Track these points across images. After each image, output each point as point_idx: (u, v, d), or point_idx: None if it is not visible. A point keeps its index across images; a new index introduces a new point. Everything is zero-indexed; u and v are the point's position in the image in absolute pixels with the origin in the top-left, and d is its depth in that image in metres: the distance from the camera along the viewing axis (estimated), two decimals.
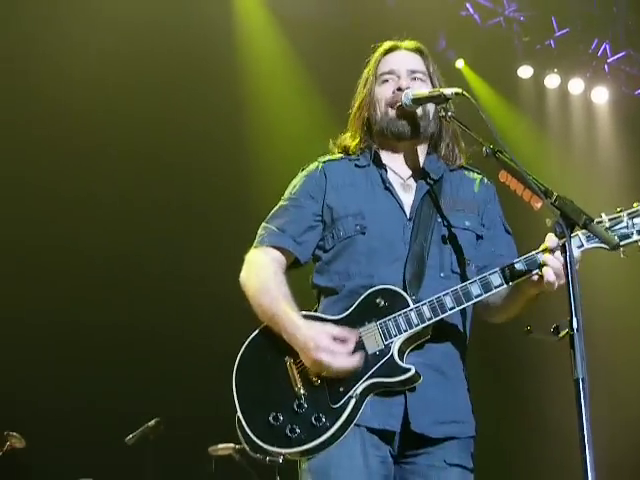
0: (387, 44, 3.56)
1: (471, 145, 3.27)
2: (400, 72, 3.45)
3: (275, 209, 3.46)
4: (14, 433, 6.78)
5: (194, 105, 8.23)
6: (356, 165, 3.44)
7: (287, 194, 3.47)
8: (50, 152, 7.89)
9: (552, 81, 9.80)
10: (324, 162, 3.47)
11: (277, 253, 3.33)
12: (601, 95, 9.96)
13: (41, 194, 7.93)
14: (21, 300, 7.62)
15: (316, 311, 3.33)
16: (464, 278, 3.26)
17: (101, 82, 7.94)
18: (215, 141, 8.28)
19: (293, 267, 3.37)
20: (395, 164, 3.44)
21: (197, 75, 8.28)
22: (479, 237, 3.39)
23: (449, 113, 3.19)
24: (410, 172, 3.44)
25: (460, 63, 9.50)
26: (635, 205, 3.08)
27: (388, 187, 3.36)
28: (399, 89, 3.39)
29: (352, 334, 3.07)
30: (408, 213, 3.31)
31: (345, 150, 3.50)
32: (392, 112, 3.39)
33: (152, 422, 6.92)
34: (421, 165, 3.45)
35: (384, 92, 3.44)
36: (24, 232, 7.72)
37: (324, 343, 3.02)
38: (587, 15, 9.40)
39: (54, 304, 7.71)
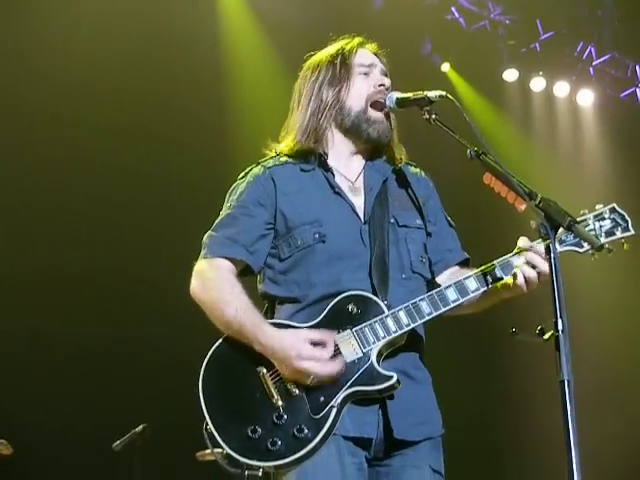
0: (358, 39, 3.47)
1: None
2: (377, 70, 3.41)
3: (222, 217, 3.31)
4: (1, 440, 6.74)
5: (178, 114, 8.17)
6: (301, 169, 3.33)
7: (233, 201, 3.31)
8: (33, 165, 7.85)
9: (537, 84, 9.82)
10: (269, 167, 3.34)
11: (229, 263, 3.20)
12: (586, 98, 9.98)
13: (27, 207, 7.89)
14: (8, 312, 7.57)
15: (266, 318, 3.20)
16: (423, 277, 3.29)
17: (84, 91, 7.88)
18: (199, 152, 8.22)
19: (242, 276, 3.23)
20: (341, 166, 3.36)
21: (181, 83, 8.23)
22: (429, 234, 3.37)
23: (433, 116, 3.13)
24: (356, 173, 3.36)
25: (445, 67, 9.49)
26: (597, 207, 3.12)
27: (338, 192, 3.28)
28: (381, 85, 3.34)
29: (329, 336, 3.00)
30: (362, 217, 3.24)
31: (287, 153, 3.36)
32: (374, 113, 3.32)
33: (139, 428, 6.89)
34: (366, 166, 3.39)
35: (365, 85, 3.36)
36: (8, 245, 7.68)
37: (305, 351, 2.95)
38: (572, 18, 9.42)
39: (41, 316, 7.67)
